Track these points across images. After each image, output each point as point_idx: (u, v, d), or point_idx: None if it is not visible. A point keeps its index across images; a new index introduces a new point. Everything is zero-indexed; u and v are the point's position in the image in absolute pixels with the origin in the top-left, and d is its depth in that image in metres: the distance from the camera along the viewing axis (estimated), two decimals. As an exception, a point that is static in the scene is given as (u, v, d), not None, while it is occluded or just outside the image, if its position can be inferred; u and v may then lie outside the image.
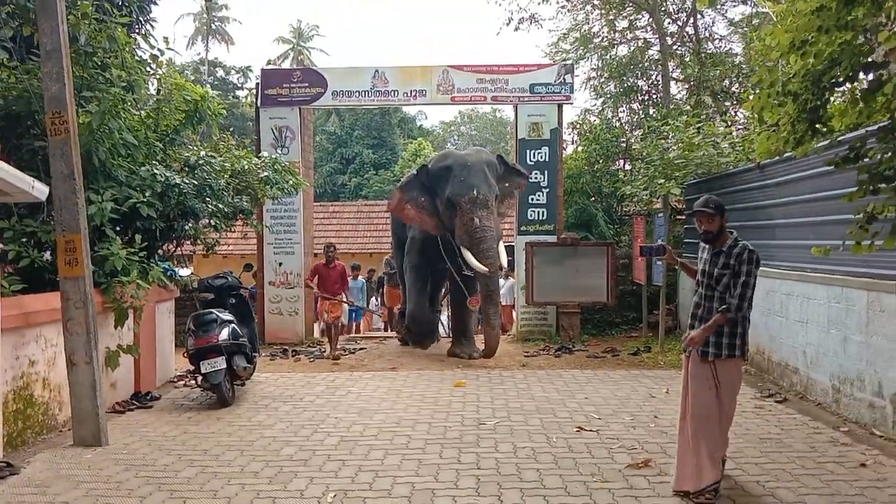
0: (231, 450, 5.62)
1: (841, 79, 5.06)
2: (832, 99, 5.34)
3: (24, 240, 6.79)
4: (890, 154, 4.97)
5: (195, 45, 49.81)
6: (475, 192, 9.74)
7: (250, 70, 46.80)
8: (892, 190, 4.93)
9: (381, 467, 5.13)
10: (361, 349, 11.26)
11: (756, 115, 5.78)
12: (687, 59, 15.83)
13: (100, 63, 7.35)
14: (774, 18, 8.31)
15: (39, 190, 5.49)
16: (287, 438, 5.92)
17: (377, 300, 15.68)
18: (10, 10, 7.21)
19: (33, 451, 5.64)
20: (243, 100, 39.67)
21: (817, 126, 5.38)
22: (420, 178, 10.50)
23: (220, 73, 47.78)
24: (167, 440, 5.95)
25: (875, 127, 5.07)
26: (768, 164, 8.23)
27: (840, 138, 5.54)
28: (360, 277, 15.24)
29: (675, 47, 15.77)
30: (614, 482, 4.74)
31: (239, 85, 47.42)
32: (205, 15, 48.33)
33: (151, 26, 10.75)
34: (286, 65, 49.08)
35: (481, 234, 9.66)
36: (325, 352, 10.71)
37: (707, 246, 4.62)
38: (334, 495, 4.57)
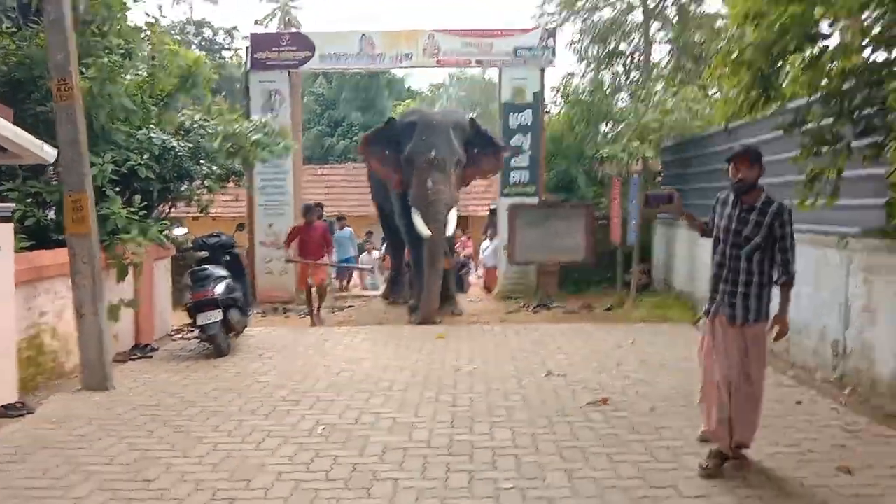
0: (229, 392, 6.13)
1: (791, 48, 5.50)
2: (784, 67, 5.78)
3: (28, 200, 7.20)
4: (832, 119, 5.46)
5: (181, 4, 49.15)
6: (433, 153, 9.65)
7: (236, 30, 46.21)
8: (833, 152, 5.43)
9: (366, 406, 5.66)
10: (349, 307, 11.76)
11: (716, 82, 6.25)
12: (671, 23, 16.12)
13: (97, 30, 7.67)
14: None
15: (48, 152, 5.91)
16: (280, 383, 6.43)
17: (374, 255, 15.33)
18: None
19: (45, 395, 6.12)
20: (229, 60, 39.57)
21: (770, 93, 5.83)
22: (387, 131, 10.45)
23: (208, 33, 47.42)
24: (169, 385, 6.45)
25: (818, 95, 5.51)
26: (735, 128, 8.66)
27: (788, 106, 5.98)
28: (347, 228, 14.92)
29: (657, 10, 16.05)
30: (574, 416, 5.29)
31: (225, 45, 47.17)
32: (191, -27, 47.73)
33: (144, -7, 11.03)
34: (273, 25, 48.84)
35: (433, 196, 9.61)
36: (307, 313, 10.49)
37: (730, 200, 4.20)
38: (323, 427, 5.10)
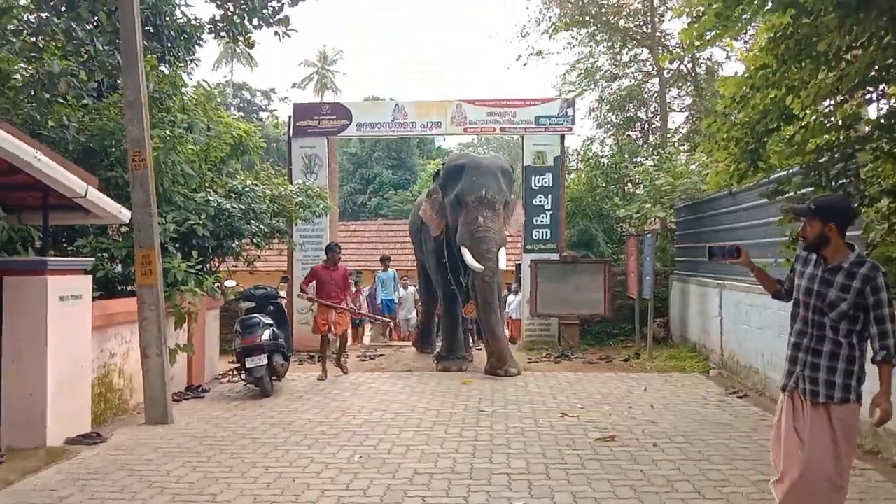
0: (275, 427, 6.86)
1: (772, 127, 6.29)
2: (768, 143, 6.55)
3: (99, 255, 8.14)
4: (812, 188, 6.18)
5: (220, 68, 51.50)
6: (483, 191, 9.65)
7: (274, 92, 48.59)
8: (812, 217, 6.12)
9: (397, 440, 6.34)
10: (380, 355, 12.46)
11: (708, 155, 7.04)
12: (684, 91, 17.05)
13: (163, 106, 8.71)
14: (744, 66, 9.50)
15: (126, 215, 6.84)
16: (320, 420, 7.15)
17: (410, 290, 15.09)
18: (93, 62, 8.58)
19: (113, 427, 6.91)
20: (266, 121, 41.44)
21: (759, 164, 6.60)
22: (437, 179, 10.64)
23: (246, 94, 49.59)
24: (221, 420, 7.20)
25: (797, 168, 6.25)
26: (739, 192, 9.38)
27: (772, 176, 6.73)
28: (391, 270, 14.71)
29: (672, 80, 17.00)
30: (583, 450, 5.92)
31: (263, 107, 49.31)
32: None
33: (196, 65, 12.22)
34: (310, 87, 51.03)
35: (483, 233, 9.56)
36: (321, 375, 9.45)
37: (812, 259, 3.70)
38: (360, 456, 5.79)
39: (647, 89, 17.24)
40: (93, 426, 6.68)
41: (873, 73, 5.36)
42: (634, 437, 6.36)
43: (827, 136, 5.95)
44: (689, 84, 17.27)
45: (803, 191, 6.27)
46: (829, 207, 3.63)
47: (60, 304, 6.26)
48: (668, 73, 16.55)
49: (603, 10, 16.44)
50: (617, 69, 17.45)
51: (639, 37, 16.87)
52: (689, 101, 16.96)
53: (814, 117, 5.79)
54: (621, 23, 16.89)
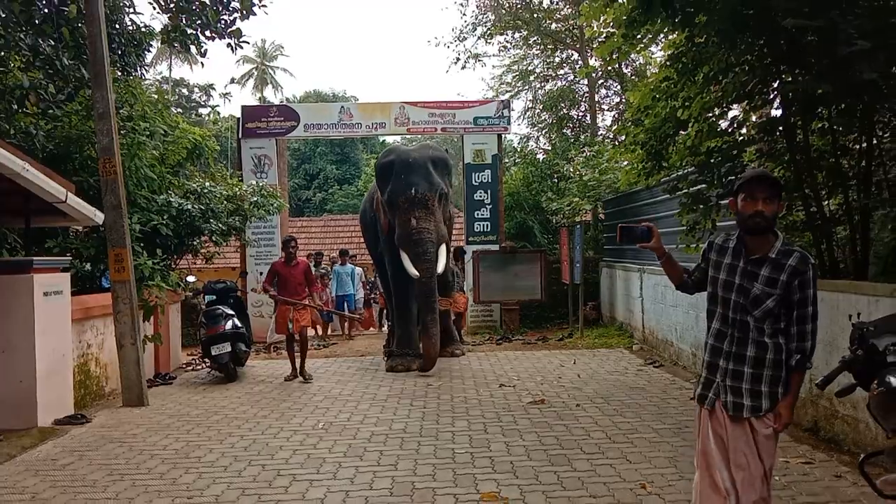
0: (243, 405, 7.63)
1: (670, 133, 7.33)
2: (670, 146, 7.58)
3: (68, 254, 8.72)
4: (706, 185, 7.25)
5: (159, 65, 50.90)
6: (413, 190, 9.23)
7: (213, 88, 48.46)
8: (706, 210, 7.21)
9: (355, 410, 7.20)
10: (333, 344, 13.23)
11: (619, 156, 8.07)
12: (612, 91, 18.28)
13: (126, 115, 9.30)
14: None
15: (100, 217, 7.49)
16: (283, 398, 7.94)
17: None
18: (58, 75, 9.12)
19: (94, 410, 7.56)
20: (206, 117, 41.42)
21: (662, 164, 7.66)
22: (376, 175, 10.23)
23: (184, 91, 49.24)
24: (192, 402, 7.93)
25: (692, 167, 7.31)
26: (654, 186, 10.49)
27: (673, 175, 7.80)
28: (349, 264, 14.59)
29: (600, 81, 18.20)
30: (517, 411, 6.90)
31: (202, 103, 49.11)
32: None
33: (146, 71, 12.77)
34: (250, 84, 51.03)
35: (417, 235, 9.18)
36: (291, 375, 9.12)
37: (730, 248, 3.23)
38: (323, 424, 6.63)
39: (577, 90, 18.41)
40: (75, 410, 7.32)
41: (749, 87, 6.43)
42: (561, 400, 7.37)
43: (716, 140, 7.02)
44: (616, 84, 18.48)
45: (697, 187, 7.35)
46: (780, 182, 3.19)
47: (44, 300, 6.90)
48: (595, 74, 17.73)
49: (535, 16, 17.48)
50: (549, 71, 18.55)
51: (569, 40, 17.99)
52: (616, 100, 18.21)
53: (706, 124, 6.82)
54: (553, 26, 17.98)
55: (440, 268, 9.51)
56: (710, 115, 6.80)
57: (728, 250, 3.23)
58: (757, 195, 3.06)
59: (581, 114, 18.38)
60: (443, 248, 9.59)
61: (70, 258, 7.97)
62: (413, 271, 9.19)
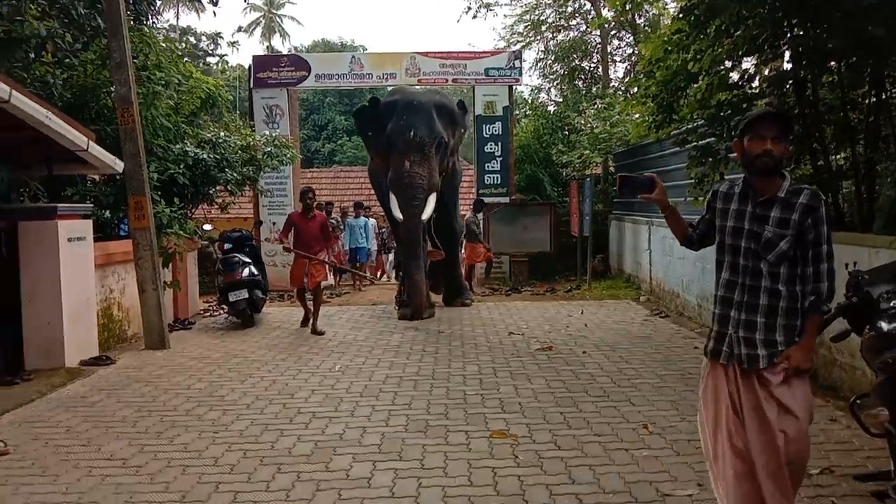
0: (260, 349, 7.91)
1: (682, 86, 7.39)
2: (681, 99, 7.64)
3: (89, 202, 8.92)
4: (715, 138, 7.34)
5: (166, 13, 50.29)
6: (411, 133, 9.03)
7: (220, 37, 48.01)
8: (714, 163, 7.31)
9: (370, 355, 7.46)
10: (346, 293, 13.49)
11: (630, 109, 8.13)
12: (625, 42, 18.11)
13: (141, 65, 9.38)
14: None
15: (120, 165, 7.66)
16: (299, 343, 8.22)
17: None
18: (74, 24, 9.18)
19: (117, 352, 7.86)
20: (214, 66, 41.17)
21: (673, 117, 7.73)
22: (372, 110, 9.81)
23: (192, 40, 48.80)
24: (211, 346, 8.21)
25: (703, 120, 7.39)
26: (664, 139, 10.55)
27: (681, 129, 7.88)
28: (362, 216, 14.45)
29: (613, 32, 18.02)
30: (525, 357, 7.15)
31: (209, 52, 48.72)
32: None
33: (157, 20, 12.78)
34: (258, 32, 50.58)
35: (409, 179, 9.01)
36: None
37: (737, 192, 3.02)
38: (340, 367, 6.90)
39: (589, 41, 18.25)
40: (100, 352, 7.62)
41: (759, 41, 6.47)
42: (568, 347, 7.61)
43: (726, 94, 7.07)
44: (629, 35, 18.30)
45: (706, 141, 7.44)
46: (791, 121, 3.00)
47: (69, 245, 7.13)
48: (608, 25, 17.56)
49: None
50: (562, 21, 18.37)
51: (582, -11, 17.81)
52: (629, 51, 18.05)
53: (716, 78, 6.87)
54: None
55: (426, 215, 9.26)
56: (721, 68, 6.84)
57: (734, 196, 3.02)
58: (765, 134, 2.87)
59: (593, 65, 18.27)
60: (432, 196, 9.32)
61: (92, 205, 8.16)
62: (398, 214, 9.09)
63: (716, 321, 3.08)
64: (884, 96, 6.21)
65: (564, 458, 4.33)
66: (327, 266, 9.33)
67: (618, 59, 18.70)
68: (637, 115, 9.94)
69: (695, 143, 7.40)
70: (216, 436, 4.94)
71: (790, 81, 6.67)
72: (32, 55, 8.80)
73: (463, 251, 12.69)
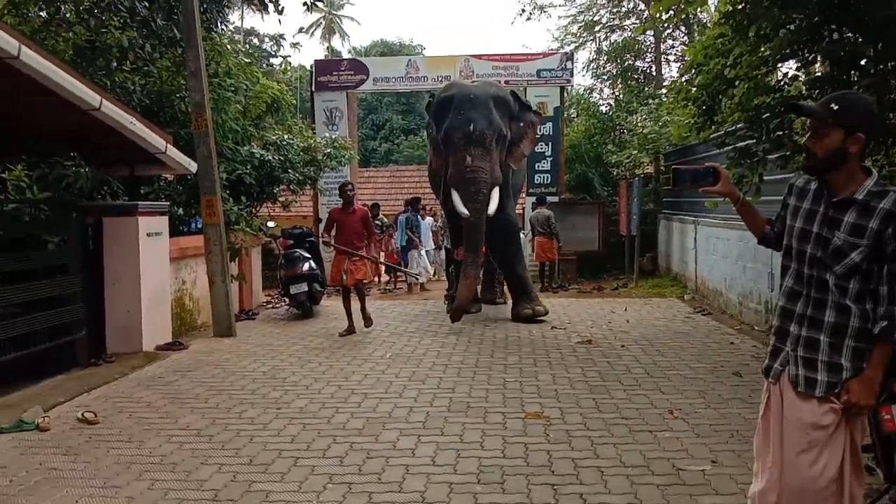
0: (318, 337, 8.50)
1: (722, 89, 7.64)
2: (722, 102, 7.89)
3: (163, 200, 9.67)
4: (755, 140, 7.56)
5: (230, 14, 51.61)
6: (471, 127, 8.79)
7: (283, 38, 49.33)
8: (752, 164, 7.53)
9: (419, 345, 7.97)
10: (399, 289, 14.04)
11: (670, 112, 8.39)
12: (678, 42, 18.18)
13: (213, 72, 10.10)
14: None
15: (194, 167, 8.35)
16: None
17: (428, 220, 14.61)
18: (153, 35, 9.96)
19: (189, 339, 8.55)
20: (277, 67, 42.46)
21: (714, 119, 7.98)
22: (430, 108, 9.74)
23: (255, 41, 50.28)
24: (274, 334, 8.84)
25: (741, 123, 7.62)
26: (711, 139, 10.73)
27: (722, 132, 8.11)
28: (405, 214, 14.16)
29: (667, 31, 18.11)
30: (564, 349, 7.54)
31: (273, 53, 50.15)
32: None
33: (224, 28, 13.56)
34: (318, 34, 51.83)
35: (471, 174, 8.83)
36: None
37: (811, 189, 2.64)
38: (390, 355, 7.43)
39: (643, 41, 18.38)
40: (173, 338, 8.32)
41: (795, 47, 6.69)
42: (608, 341, 7.96)
43: (765, 97, 7.30)
44: (683, 34, 18.36)
45: (745, 143, 7.67)
46: (855, 109, 2.50)
47: (147, 240, 7.83)
48: (662, 26, 17.66)
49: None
50: (616, 21, 18.56)
51: (636, -10, 17.95)
52: (683, 50, 18.10)
53: (753, 82, 7.09)
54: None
55: (491, 210, 9.05)
56: (757, 72, 7.07)
57: (808, 193, 2.63)
58: (809, 129, 2.56)
59: (647, 65, 18.41)
60: (496, 190, 9.11)
61: (169, 203, 8.88)
62: (463, 210, 8.87)
63: (773, 335, 2.72)
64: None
65: (591, 437, 4.73)
66: (369, 263, 9.06)
67: (671, 58, 18.80)
68: (680, 118, 10.15)
69: (733, 146, 7.64)
70: (279, 412, 5.50)
71: (828, 85, 6.86)
72: (114, 63, 9.60)
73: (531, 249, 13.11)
